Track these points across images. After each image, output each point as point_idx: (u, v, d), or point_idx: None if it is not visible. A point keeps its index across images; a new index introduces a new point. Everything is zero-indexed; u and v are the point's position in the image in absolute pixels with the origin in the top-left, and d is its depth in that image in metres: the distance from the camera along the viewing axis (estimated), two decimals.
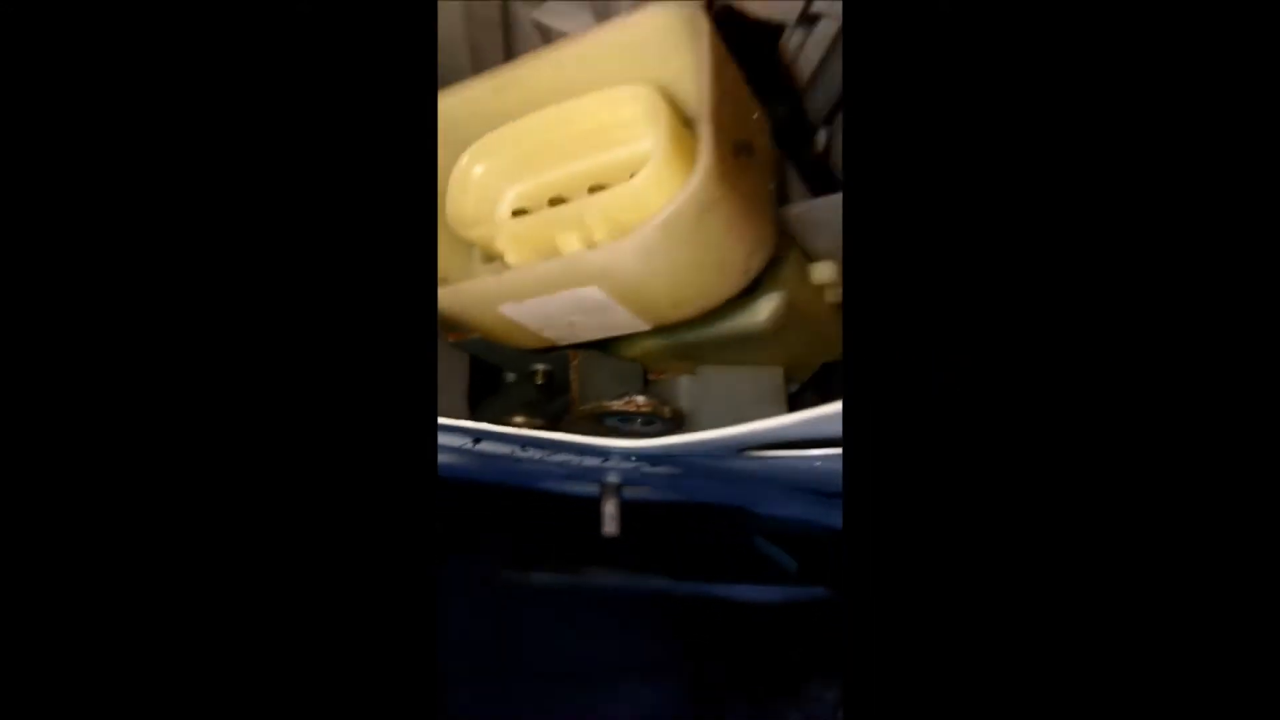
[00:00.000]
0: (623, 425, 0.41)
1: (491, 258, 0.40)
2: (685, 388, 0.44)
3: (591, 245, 0.35)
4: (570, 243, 0.36)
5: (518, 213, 0.39)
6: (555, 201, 0.39)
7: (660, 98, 0.35)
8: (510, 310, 0.36)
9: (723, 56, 0.34)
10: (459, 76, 0.40)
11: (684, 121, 0.36)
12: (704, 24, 0.33)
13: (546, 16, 0.56)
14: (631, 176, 0.35)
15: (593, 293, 0.34)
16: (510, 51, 0.60)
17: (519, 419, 0.41)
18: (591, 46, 0.36)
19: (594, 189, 0.38)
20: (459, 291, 0.36)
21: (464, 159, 0.39)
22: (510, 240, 0.37)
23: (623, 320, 0.37)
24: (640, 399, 0.41)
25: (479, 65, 0.53)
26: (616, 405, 0.41)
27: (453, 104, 0.39)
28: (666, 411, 0.41)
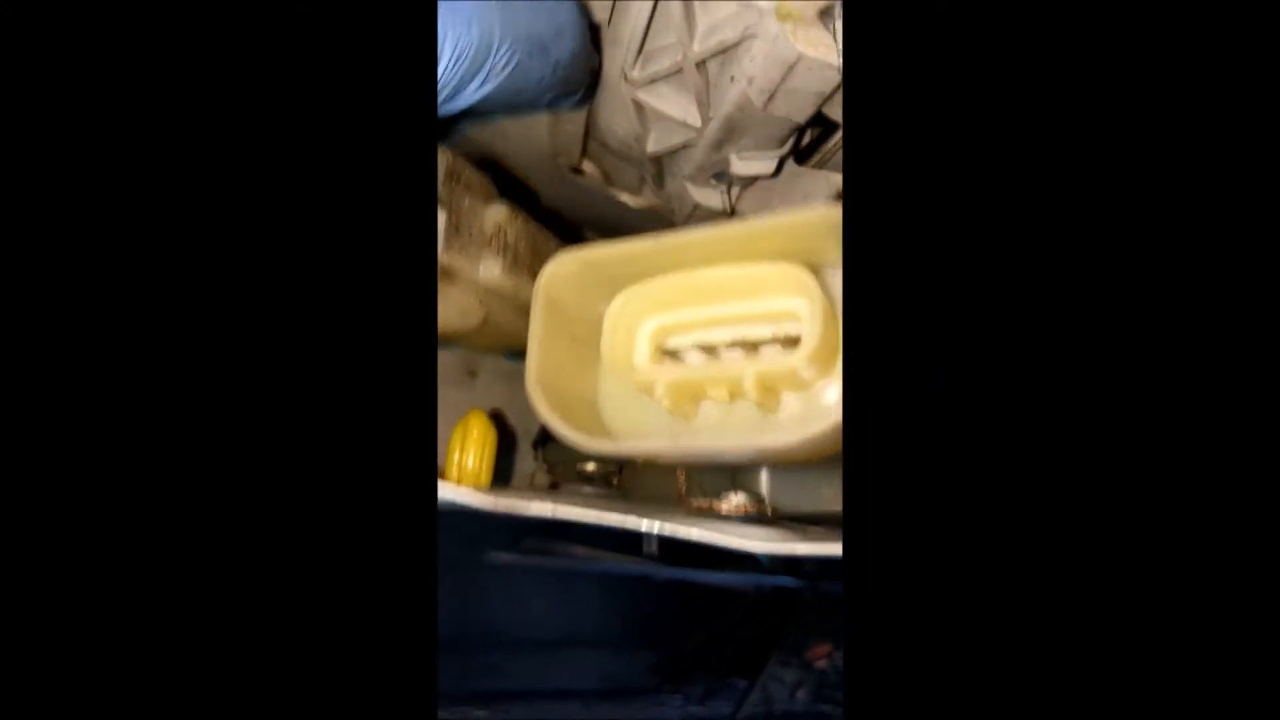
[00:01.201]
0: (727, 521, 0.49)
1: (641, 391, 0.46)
2: (765, 481, 0.51)
3: (736, 397, 0.41)
4: (720, 394, 0.42)
5: (670, 353, 0.45)
6: (703, 347, 0.45)
7: (817, 284, 0.40)
8: (661, 449, 0.42)
9: None
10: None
11: (831, 304, 0.41)
12: None
13: (651, 97, 0.59)
14: (773, 338, 0.41)
15: (746, 455, 0.41)
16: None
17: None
18: (759, 228, 0.41)
19: (736, 342, 0.44)
20: (621, 446, 0.42)
21: (621, 300, 0.44)
22: (665, 385, 0.43)
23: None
24: (740, 500, 0.48)
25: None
26: (725, 508, 0.48)
27: (614, 254, 0.43)
28: (769, 511, 0.48)
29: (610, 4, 0.55)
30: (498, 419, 0.53)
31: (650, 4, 0.51)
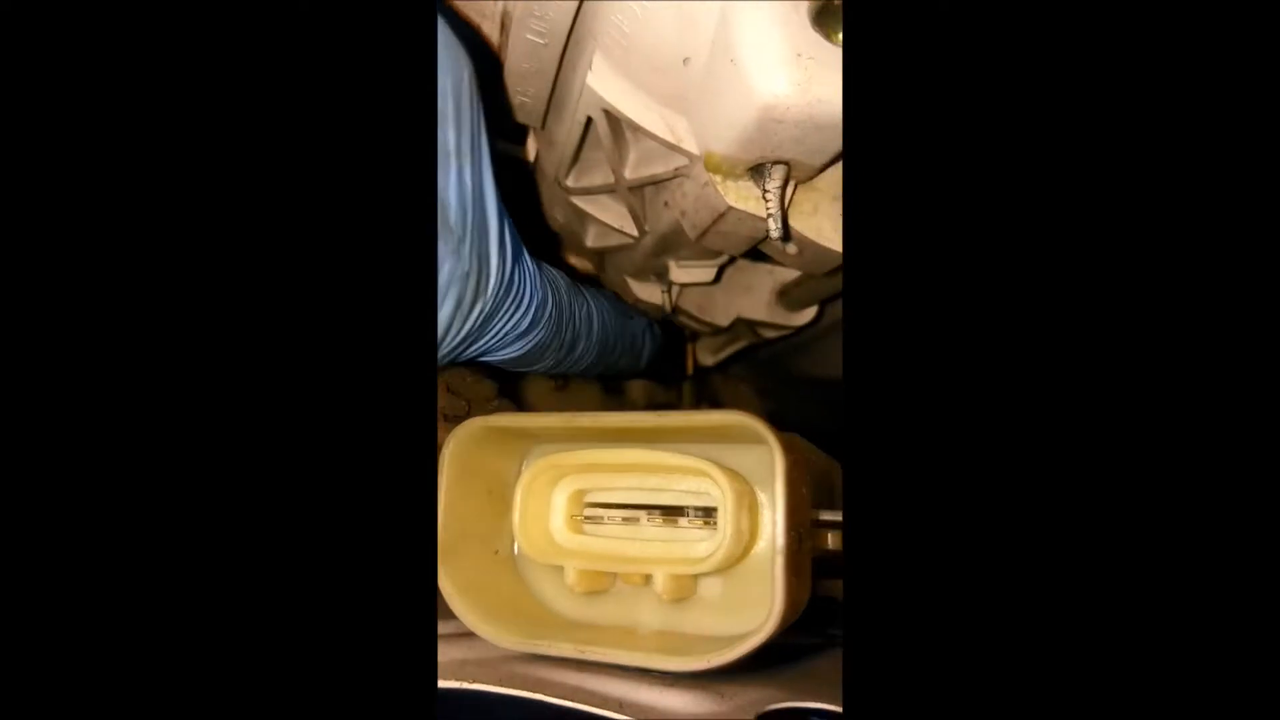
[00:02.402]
0: None
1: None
2: None
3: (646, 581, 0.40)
4: (632, 579, 0.41)
5: (590, 517, 0.43)
6: (624, 515, 0.43)
7: (729, 484, 0.39)
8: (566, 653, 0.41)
9: (793, 469, 0.38)
10: None
11: (747, 491, 0.40)
12: (778, 448, 0.37)
13: (587, 205, 0.56)
14: (693, 509, 0.40)
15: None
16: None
17: None
18: (673, 422, 0.39)
19: (657, 510, 0.43)
20: (530, 645, 0.40)
21: (533, 469, 0.43)
22: (575, 574, 0.41)
23: None
24: None
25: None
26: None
27: (525, 426, 0.41)
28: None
29: (544, 106, 0.52)
30: None
31: (581, 123, 0.48)
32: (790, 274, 0.65)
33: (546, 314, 0.50)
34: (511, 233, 0.44)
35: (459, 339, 0.42)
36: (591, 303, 0.57)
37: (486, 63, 0.50)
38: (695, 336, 0.80)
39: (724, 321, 0.68)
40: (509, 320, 0.47)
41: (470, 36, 0.48)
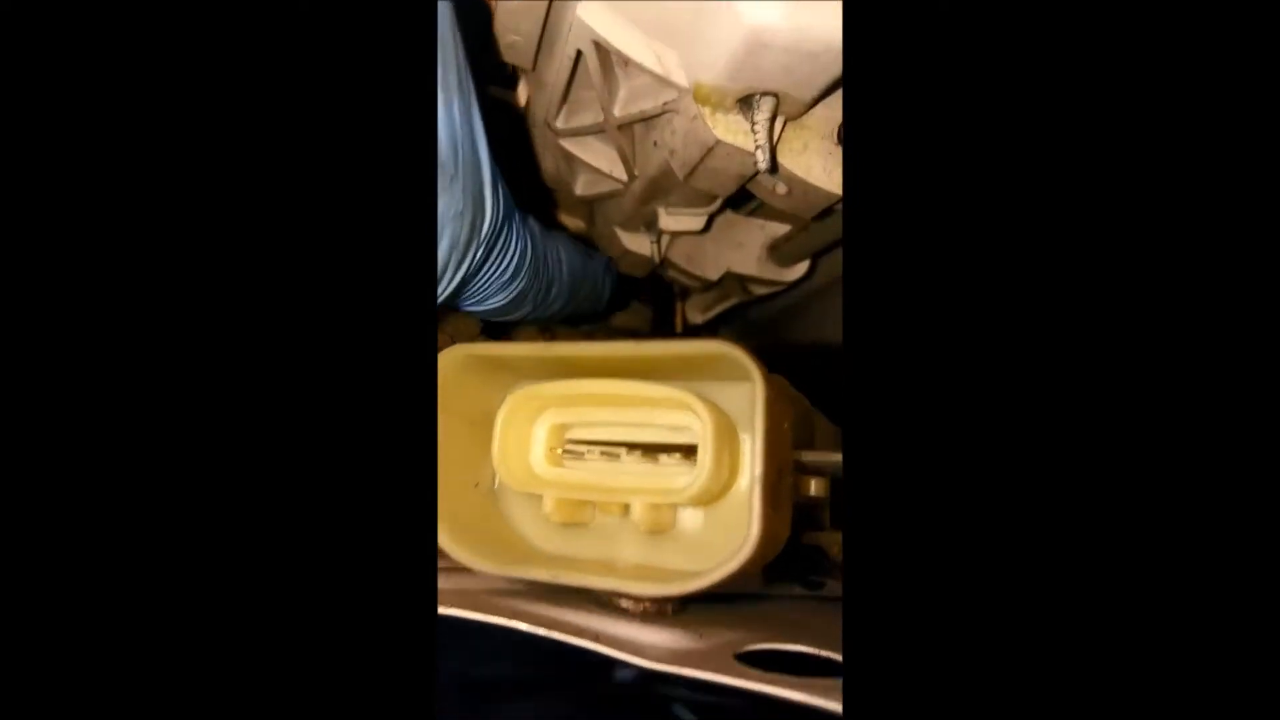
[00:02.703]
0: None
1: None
2: None
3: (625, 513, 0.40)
4: (611, 510, 0.41)
5: (569, 451, 0.43)
6: (603, 449, 0.43)
7: (709, 414, 0.39)
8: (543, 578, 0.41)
9: (774, 402, 0.38)
10: None
11: (728, 426, 0.40)
12: (759, 376, 0.37)
13: (576, 148, 0.56)
14: (673, 445, 0.40)
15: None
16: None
17: None
18: (653, 352, 0.39)
19: (637, 446, 0.42)
20: (506, 569, 0.40)
21: (513, 400, 0.42)
22: (553, 502, 0.41)
23: None
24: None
25: None
26: (625, 602, 0.47)
27: (504, 354, 0.41)
28: (669, 610, 0.48)
29: (534, 48, 0.52)
30: None
31: (571, 58, 0.48)
32: (781, 229, 0.65)
33: (528, 262, 0.50)
34: (502, 179, 0.44)
35: (455, 282, 0.41)
36: (560, 246, 0.57)
37: (476, 11, 0.49)
38: (685, 294, 0.79)
39: (714, 275, 0.68)
40: (498, 267, 0.46)
41: None
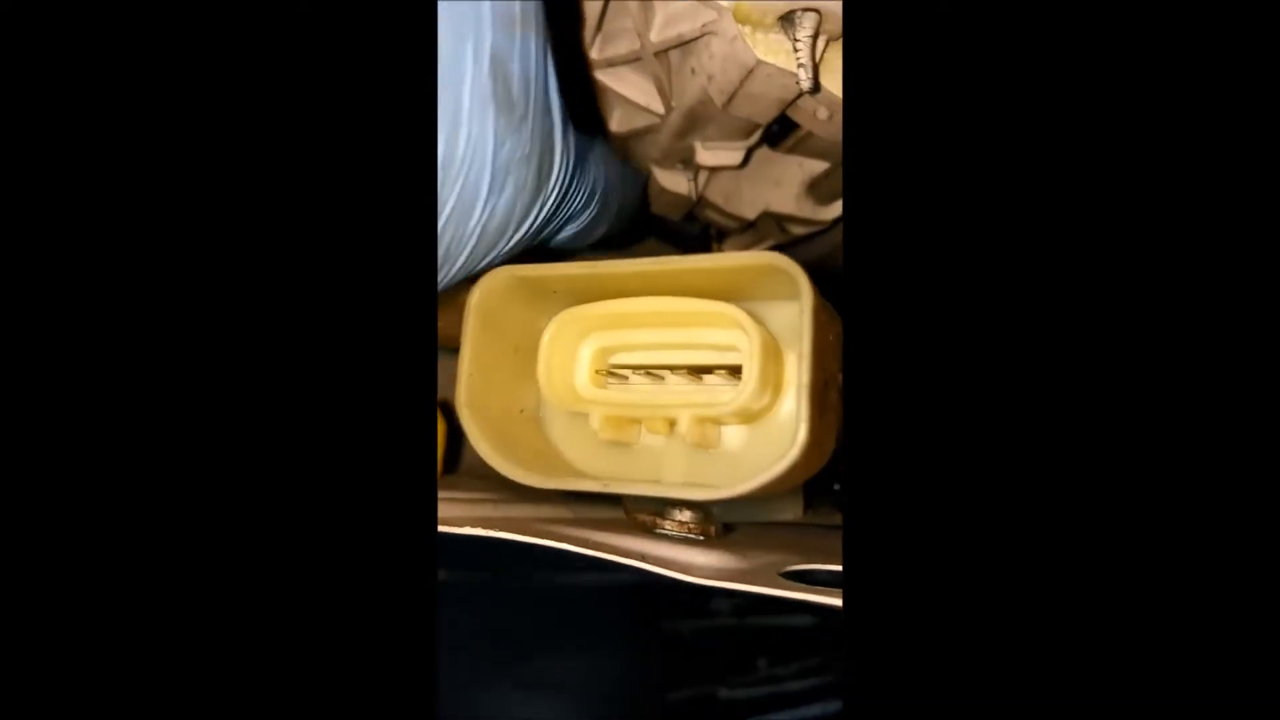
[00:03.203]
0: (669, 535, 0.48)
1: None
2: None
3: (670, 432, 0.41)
4: (658, 428, 0.41)
5: (614, 373, 0.44)
6: (648, 370, 0.43)
7: (755, 325, 0.39)
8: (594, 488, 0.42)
9: (820, 313, 0.38)
10: None
11: (773, 342, 0.40)
12: (807, 286, 0.37)
13: (612, 80, 0.55)
14: (717, 365, 0.40)
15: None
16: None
17: None
18: (698, 266, 0.39)
19: (682, 367, 0.43)
20: (551, 481, 0.41)
21: (558, 322, 0.43)
22: (600, 419, 0.42)
23: None
24: (686, 517, 0.48)
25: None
26: (670, 525, 0.48)
27: (549, 275, 0.41)
28: (713, 532, 0.48)
29: None
30: (445, 409, 0.53)
31: None
32: (819, 166, 0.64)
33: (600, 191, 0.49)
34: (571, 122, 0.43)
35: (525, 231, 0.40)
36: (616, 166, 0.56)
37: None
38: (722, 236, 0.79)
39: (751, 214, 0.67)
40: (573, 205, 0.45)
41: None
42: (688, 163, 0.61)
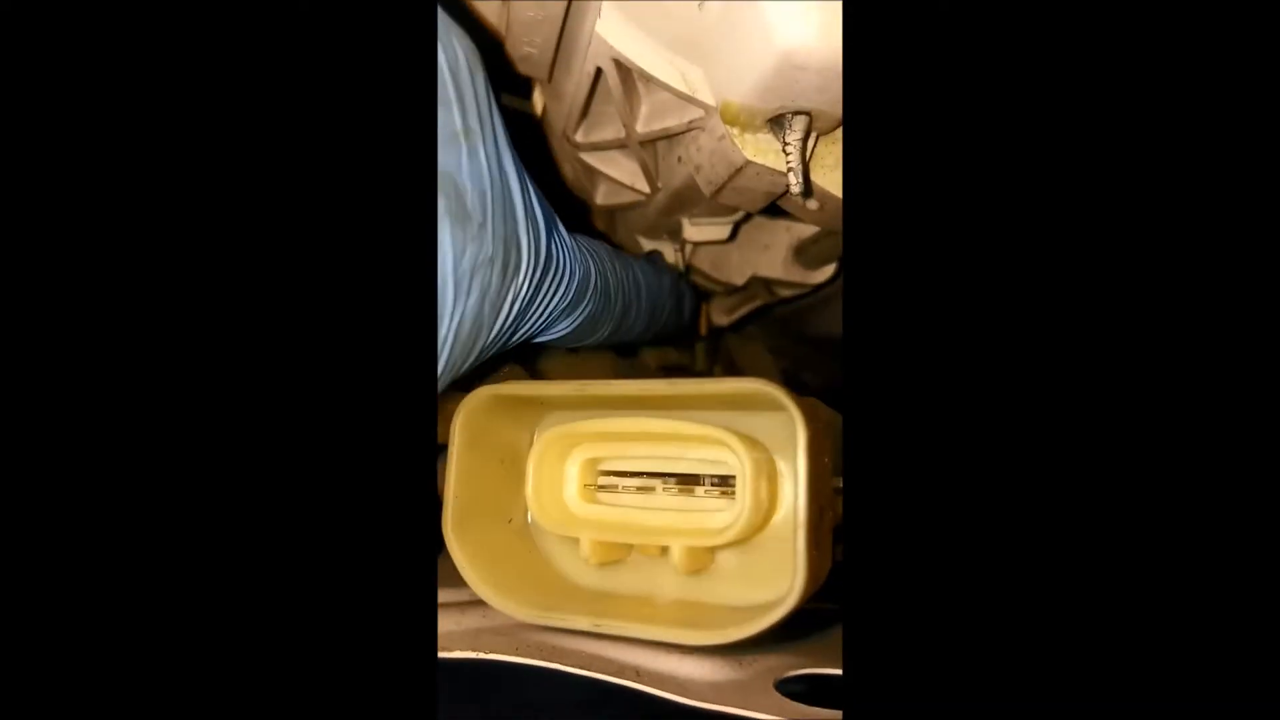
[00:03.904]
0: None
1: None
2: None
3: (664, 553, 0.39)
4: (649, 550, 0.40)
5: (604, 486, 0.42)
6: (639, 484, 0.42)
7: (747, 455, 0.37)
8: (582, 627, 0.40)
9: (815, 438, 0.36)
10: None
11: (766, 461, 0.39)
12: (800, 419, 0.35)
13: (597, 161, 0.54)
14: (710, 477, 0.39)
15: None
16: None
17: None
18: (689, 390, 0.38)
19: (673, 478, 0.41)
20: (546, 618, 0.40)
21: (546, 437, 0.41)
22: (589, 544, 0.40)
23: None
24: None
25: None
26: None
27: (536, 393, 0.40)
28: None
29: (551, 57, 0.50)
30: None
31: (590, 75, 0.46)
32: (808, 230, 0.63)
33: (591, 286, 0.48)
34: (543, 208, 0.42)
35: (500, 329, 0.40)
36: (635, 266, 0.55)
37: (485, 35, 0.47)
38: (709, 296, 0.78)
39: (739, 280, 0.66)
40: (552, 300, 0.44)
41: (464, 13, 0.45)
42: (674, 235, 0.60)
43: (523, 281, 0.40)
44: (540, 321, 0.45)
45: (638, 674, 0.39)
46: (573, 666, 0.39)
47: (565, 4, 0.42)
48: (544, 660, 0.39)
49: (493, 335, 0.40)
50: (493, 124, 0.37)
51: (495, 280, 0.38)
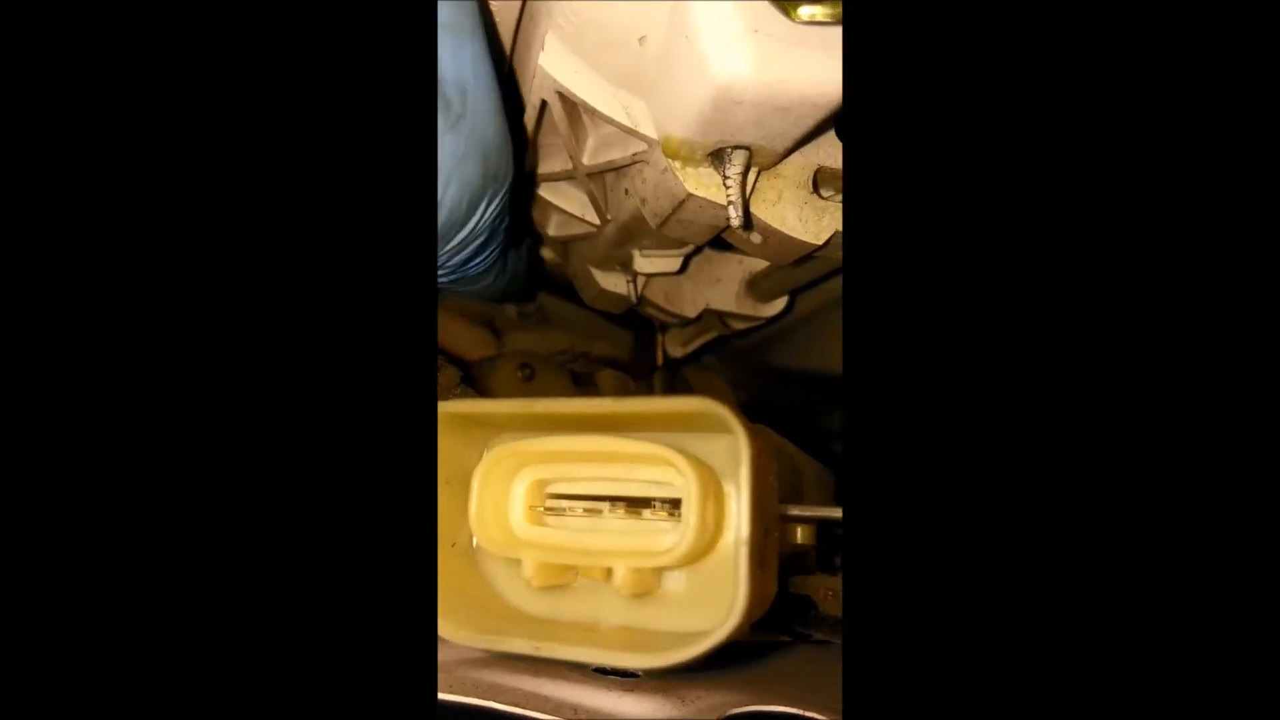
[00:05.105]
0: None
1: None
2: None
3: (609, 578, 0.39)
4: (593, 574, 0.40)
5: (550, 509, 0.42)
6: (586, 506, 0.42)
7: (693, 473, 0.38)
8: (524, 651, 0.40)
9: (759, 457, 0.37)
10: None
11: (712, 480, 0.39)
12: (744, 437, 0.36)
13: (547, 193, 0.55)
14: (657, 499, 0.39)
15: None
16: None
17: None
18: (633, 408, 0.38)
19: (620, 500, 0.42)
20: (486, 641, 0.39)
21: (491, 457, 0.41)
22: (533, 566, 0.40)
23: None
24: None
25: None
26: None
27: (481, 412, 0.40)
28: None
29: None
30: None
31: (536, 107, 0.47)
32: (760, 264, 0.65)
33: (520, 257, 0.49)
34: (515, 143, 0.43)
35: (470, 232, 0.40)
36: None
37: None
38: (664, 327, 0.79)
39: (692, 313, 0.67)
40: (496, 237, 0.45)
41: None
42: (626, 266, 0.61)
43: (499, 191, 0.40)
44: (482, 259, 0.45)
45: (575, 711, 0.38)
46: (509, 704, 0.38)
47: (511, 37, 0.44)
48: (479, 699, 0.39)
49: (465, 239, 0.40)
50: (480, 33, 0.38)
51: (477, 179, 0.38)
